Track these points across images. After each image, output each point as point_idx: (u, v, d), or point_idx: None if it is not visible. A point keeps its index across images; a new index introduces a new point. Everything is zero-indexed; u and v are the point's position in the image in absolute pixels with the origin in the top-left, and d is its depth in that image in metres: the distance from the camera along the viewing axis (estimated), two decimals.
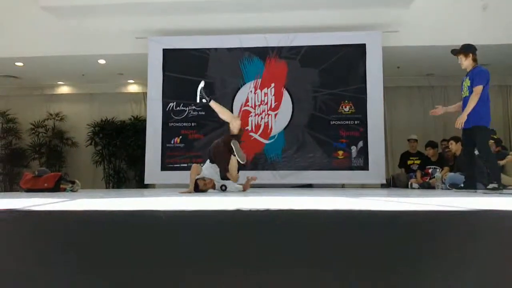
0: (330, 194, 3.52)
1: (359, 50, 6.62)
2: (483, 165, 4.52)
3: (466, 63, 4.41)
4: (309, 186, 6.62)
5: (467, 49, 4.43)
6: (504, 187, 5.46)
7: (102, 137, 8.64)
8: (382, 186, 6.60)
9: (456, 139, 5.70)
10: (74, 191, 4.85)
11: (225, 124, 6.63)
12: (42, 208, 1.49)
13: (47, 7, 6.65)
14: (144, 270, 1.20)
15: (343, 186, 6.74)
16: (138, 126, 8.38)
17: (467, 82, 4.38)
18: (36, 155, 8.74)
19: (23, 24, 6.96)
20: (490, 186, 4.13)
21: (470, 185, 4.42)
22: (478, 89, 4.20)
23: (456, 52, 4.50)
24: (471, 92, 4.28)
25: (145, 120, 7.22)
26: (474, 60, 4.41)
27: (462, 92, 4.49)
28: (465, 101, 4.35)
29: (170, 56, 6.86)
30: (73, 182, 5.06)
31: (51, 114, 8.89)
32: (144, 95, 8.58)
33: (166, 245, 1.22)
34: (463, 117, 4.24)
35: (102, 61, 7.52)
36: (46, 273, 1.22)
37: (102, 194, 4.00)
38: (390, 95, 8.28)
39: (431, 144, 6.79)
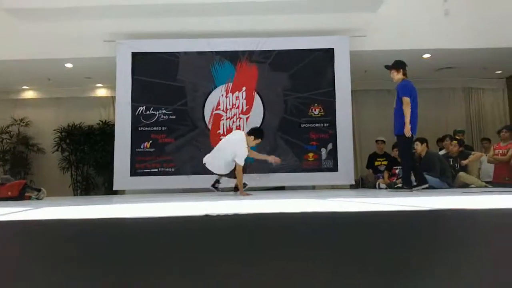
0: (301, 196, 3.57)
1: (328, 55, 6.75)
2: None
3: (397, 77, 4.78)
4: (281, 188, 6.68)
5: (398, 65, 4.80)
6: (467, 185, 5.70)
7: (69, 143, 8.44)
8: (351, 187, 6.73)
9: (421, 141, 5.88)
10: (40, 199, 4.71)
11: (197, 128, 6.65)
12: (4, 218, 1.44)
13: (10, 10, 6.44)
14: (108, 279, 1.18)
15: (313, 187, 6.83)
16: (106, 131, 8.24)
17: (395, 96, 4.81)
18: None
19: None
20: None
21: (407, 183, 4.79)
22: (406, 99, 4.61)
23: (388, 67, 4.87)
24: (397, 102, 4.74)
25: (114, 125, 7.09)
26: (404, 74, 4.79)
27: None
28: (395, 112, 4.80)
29: (139, 60, 6.78)
30: (38, 190, 4.91)
31: (15, 120, 8.61)
32: (112, 99, 8.44)
33: (132, 253, 1.21)
34: (406, 126, 4.59)
35: (69, 65, 7.35)
36: (7, 285, 1.19)
37: (69, 201, 3.91)
38: (358, 98, 8.46)
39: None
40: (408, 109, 4.58)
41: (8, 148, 8.56)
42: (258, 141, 5.05)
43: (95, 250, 1.21)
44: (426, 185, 4.74)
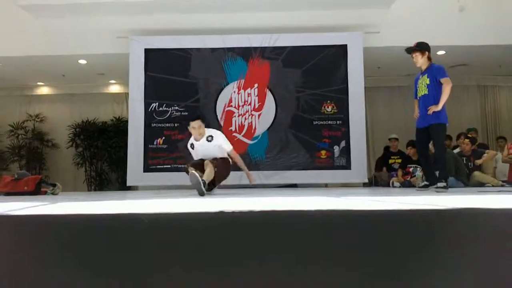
0: (314, 194, 3.55)
1: (341, 51, 6.70)
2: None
3: (421, 61, 4.24)
4: (294, 186, 6.66)
5: (423, 47, 4.25)
6: (482, 184, 5.62)
7: (84, 139, 8.54)
8: (364, 185, 6.68)
9: None
10: (55, 194, 4.77)
11: (209, 125, 6.61)
12: (21, 212, 1.47)
13: (25, 6, 6.53)
14: (123, 275, 1.19)
15: (326, 185, 6.80)
16: (120, 127, 8.31)
17: (425, 80, 4.19)
18: (15, 157, 8.58)
19: (0, 23, 6.82)
20: (440, 184, 3.98)
21: (433, 180, 4.23)
22: (448, 80, 4.04)
23: (411, 50, 4.28)
24: (431, 89, 4.12)
25: (127, 121, 7.15)
26: (429, 58, 4.27)
27: (418, 91, 4.32)
28: (424, 99, 4.18)
29: (152, 56, 6.81)
30: (54, 185, 4.98)
31: (30, 115, 8.74)
32: (126, 95, 8.51)
33: (148, 249, 1.21)
34: (439, 106, 4.01)
35: (82, 61, 7.43)
36: (23, 278, 1.21)
37: (84, 197, 3.95)
38: (371, 95, 8.39)
39: (412, 144, 6.88)
40: (449, 88, 3.99)
41: (24, 143, 8.69)
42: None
43: (111, 245, 1.22)
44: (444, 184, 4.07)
